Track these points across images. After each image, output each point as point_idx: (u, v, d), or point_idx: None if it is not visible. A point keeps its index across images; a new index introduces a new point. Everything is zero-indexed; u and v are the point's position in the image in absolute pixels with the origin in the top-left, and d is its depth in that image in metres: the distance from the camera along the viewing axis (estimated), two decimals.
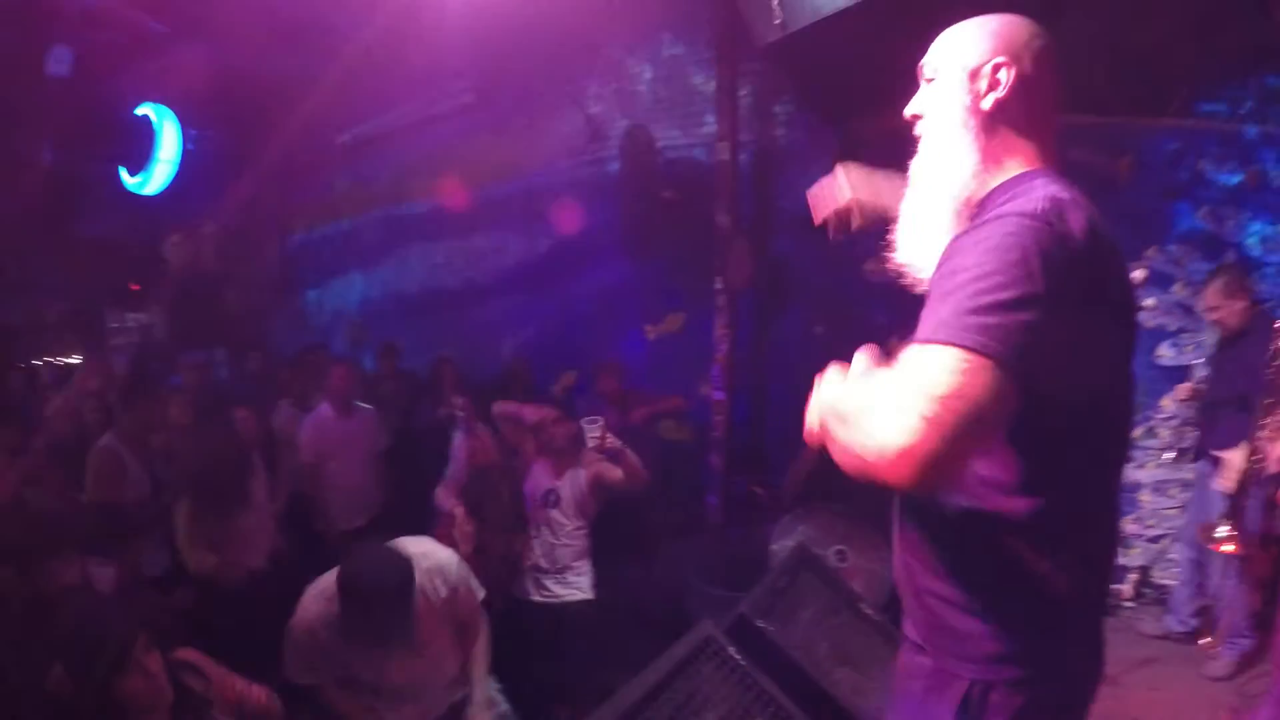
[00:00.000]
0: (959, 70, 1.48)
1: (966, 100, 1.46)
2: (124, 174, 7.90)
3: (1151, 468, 5.20)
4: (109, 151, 7.59)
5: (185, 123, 7.72)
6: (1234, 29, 5.35)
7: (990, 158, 1.46)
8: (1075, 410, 1.33)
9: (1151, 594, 5.19)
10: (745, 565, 4.49)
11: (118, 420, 4.40)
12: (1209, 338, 4.54)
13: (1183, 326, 4.66)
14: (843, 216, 1.87)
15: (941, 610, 1.48)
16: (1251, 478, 3.53)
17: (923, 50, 1.58)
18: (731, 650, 2.68)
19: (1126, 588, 5.15)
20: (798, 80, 5.59)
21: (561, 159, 6.42)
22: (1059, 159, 1.49)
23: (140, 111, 7.68)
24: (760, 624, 2.86)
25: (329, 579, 2.76)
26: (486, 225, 6.76)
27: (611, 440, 4.09)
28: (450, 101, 7.14)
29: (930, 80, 1.54)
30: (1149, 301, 4.58)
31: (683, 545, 5.32)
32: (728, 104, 5.47)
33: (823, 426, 1.44)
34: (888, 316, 5.60)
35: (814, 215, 1.94)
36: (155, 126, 7.73)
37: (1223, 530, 3.62)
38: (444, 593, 2.88)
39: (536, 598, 4.08)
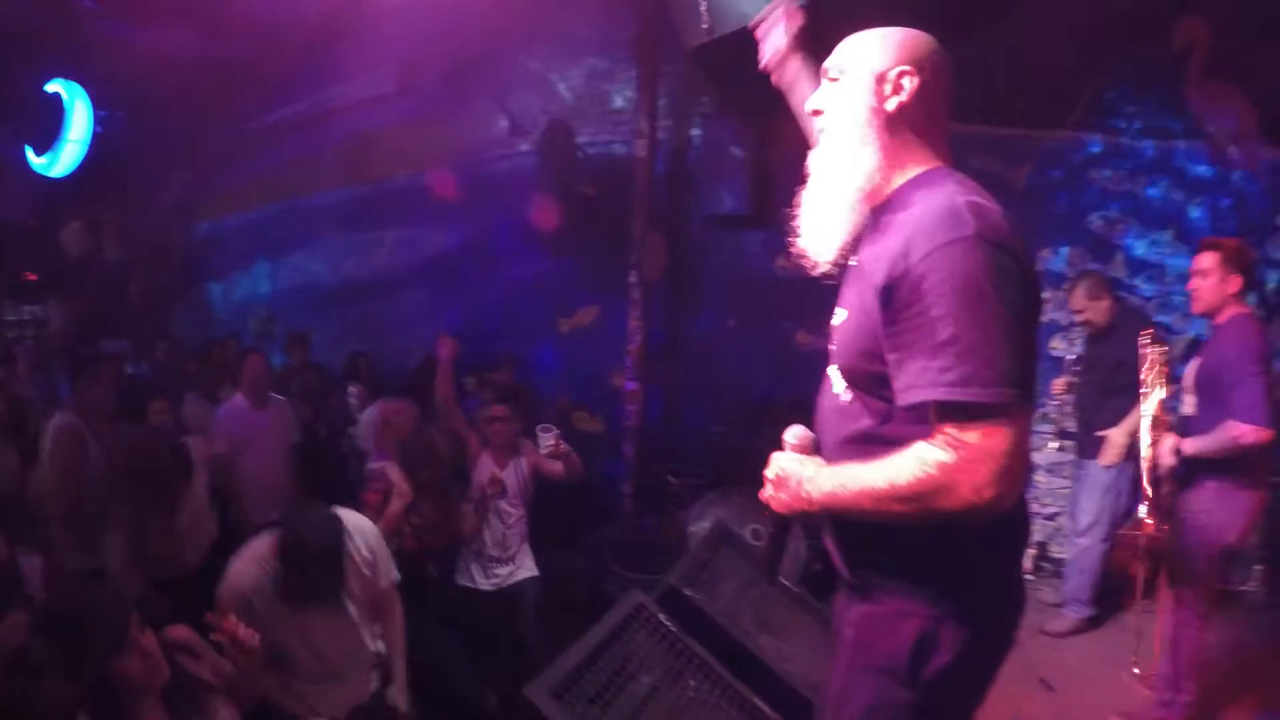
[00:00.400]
0: (867, 73, 1.61)
1: (873, 101, 1.59)
2: (30, 154, 7.48)
3: (1045, 450, 5.56)
4: (15, 129, 7.22)
5: (95, 103, 7.40)
6: (1131, 51, 5.77)
7: (891, 156, 1.60)
8: None
9: (1050, 568, 5.55)
10: (659, 552, 4.66)
11: (77, 399, 4.28)
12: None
13: (1073, 321, 4.99)
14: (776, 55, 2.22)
15: (888, 560, 1.61)
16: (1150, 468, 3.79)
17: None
18: (662, 617, 2.83)
19: (1026, 562, 5.48)
20: (719, 82, 5.74)
21: (480, 152, 6.42)
22: (951, 160, 1.65)
23: (50, 88, 7.30)
24: (688, 592, 2.99)
25: (258, 544, 2.84)
26: (402, 217, 6.72)
27: (564, 446, 4.22)
28: (370, 90, 7.06)
29: (834, 80, 1.67)
30: (1044, 294, 4.89)
31: (599, 533, 5.42)
32: (647, 103, 5.59)
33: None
34: (797, 311, 5.86)
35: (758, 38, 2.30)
36: (66, 105, 7.34)
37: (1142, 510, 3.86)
38: (365, 554, 2.98)
39: (487, 586, 4.17)
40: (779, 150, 5.78)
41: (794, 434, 1.69)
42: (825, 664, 3.04)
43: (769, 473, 1.68)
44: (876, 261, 1.51)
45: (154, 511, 3.80)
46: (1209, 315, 3.60)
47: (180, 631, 2.28)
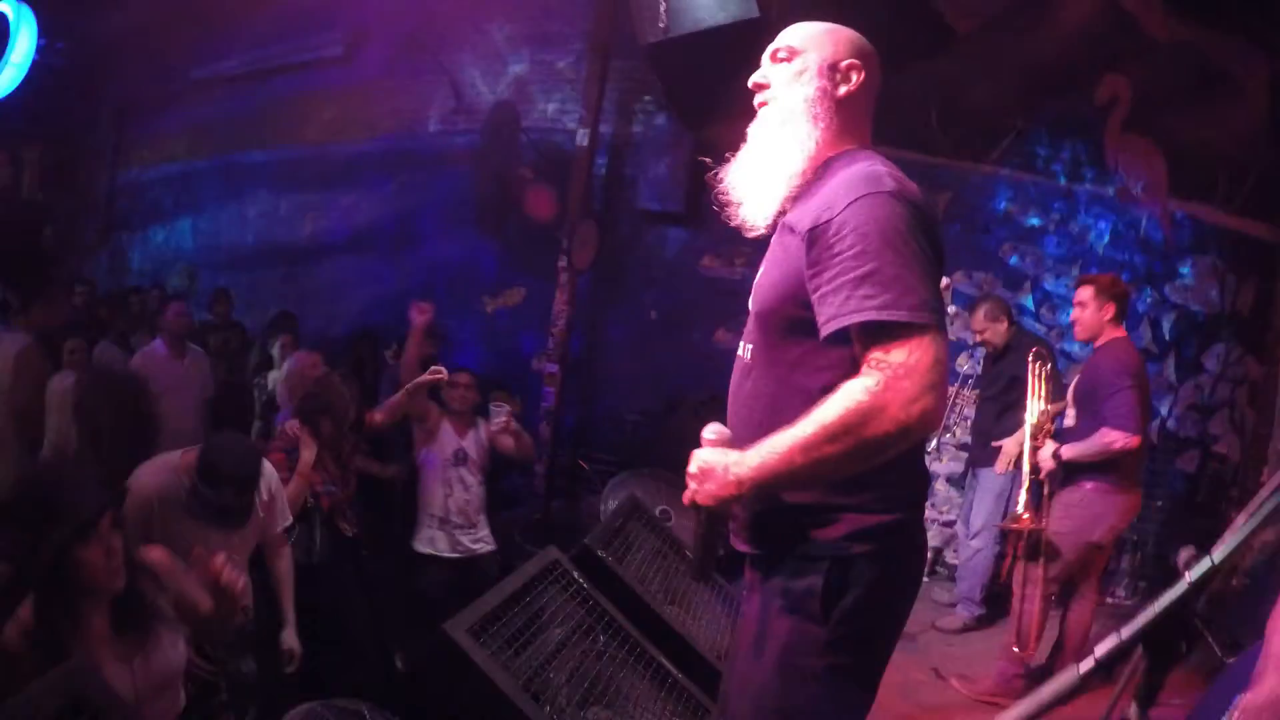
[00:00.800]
0: (821, 61, 1.75)
1: (825, 87, 1.74)
2: None
3: (946, 460, 5.89)
4: None
5: (40, 30, 6.97)
6: (1057, 99, 6.17)
7: (831, 137, 1.74)
8: None
9: (944, 572, 5.91)
10: (569, 532, 4.76)
11: (30, 319, 4.17)
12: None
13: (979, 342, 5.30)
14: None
15: (796, 512, 1.69)
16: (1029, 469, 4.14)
17: None
18: (576, 574, 2.95)
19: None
20: (665, 81, 5.89)
21: (424, 126, 6.42)
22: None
23: None
24: (601, 554, 3.13)
25: (169, 456, 2.93)
26: (338, 182, 6.64)
27: (515, 424, 4.37)
28: (318, 52, 6.96)
29: (783, 60, 1.79)
30: (951, 309, 5.18)
31: (510, 513, 5.48)
32: (594, 94, 5.71)
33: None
34: (718, 310, 6.05)
35: None
36: (12, 25, 6.91)
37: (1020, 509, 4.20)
38: (265, 496, 3.08)
39: (451, 553, 4.25)
40: (716, 154, 5.96)
41: (712, 430, 1.69)
42: (729, 635, 3.26)
43: (691, 469, 1.67)
44: (802, 217, 1.64)
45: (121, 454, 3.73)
46: (1090, 340, 4.05)
47: (157, 554, 2.18)
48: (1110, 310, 4.01)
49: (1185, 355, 6.20)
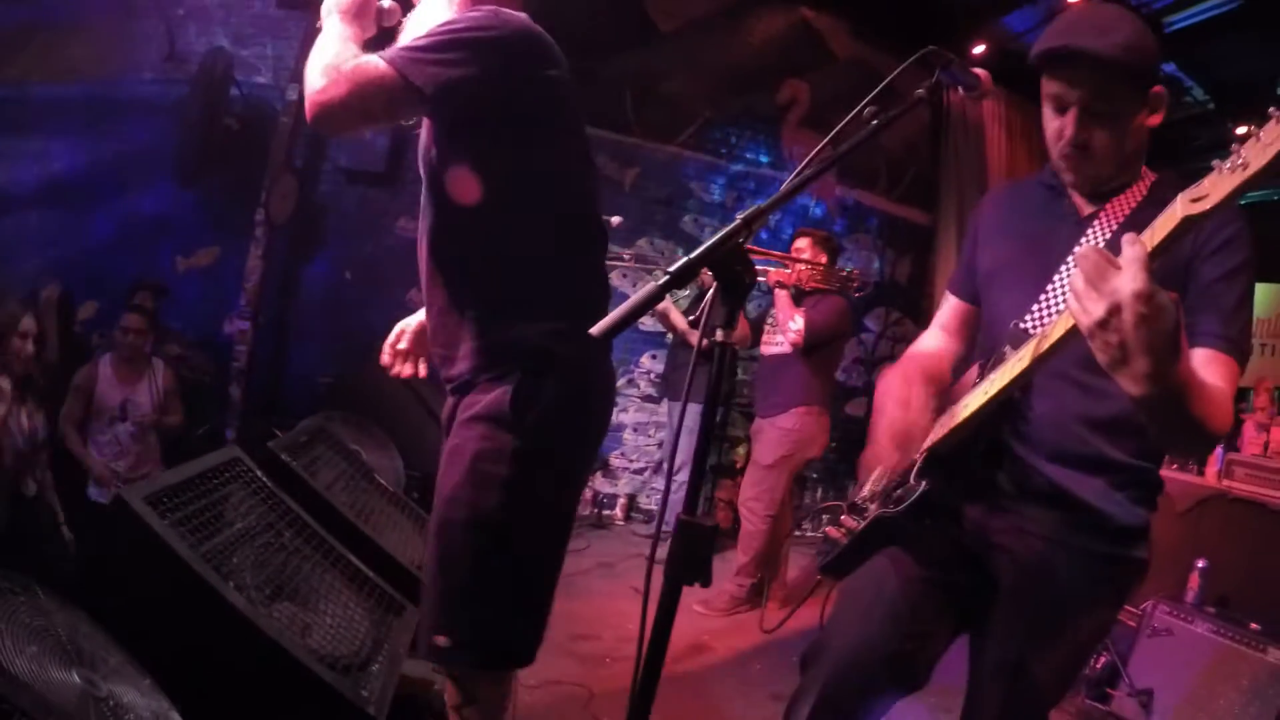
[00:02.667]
0: None
1: None
2: None
3: (633, 412, 6.36)
4: None
5: None
6: (743, 95, 6.86)
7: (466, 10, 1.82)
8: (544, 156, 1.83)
9: (639, 516, 6.36)
10: None
11: None
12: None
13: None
14: None
15: (489, 335, 1.82)
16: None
17: None
18: (259, 473, 2.87)
19: (618, 511, 6.24)
20: (377, 39, 5.92)
21: (134, 72, 6.02)
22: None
23: None
24: (285, 458, 3.09)
25: None
26: (31, 127, 6.08)
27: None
28: None
29: None
30: (626, 255, 5.59)
31: None
32: (309, 49, 5.63)
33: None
34: (413, 273, 6.10)
35: None
36: None
37: None
38: None
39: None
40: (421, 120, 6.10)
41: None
42: (419, 550, 3.36)
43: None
44: None
45: None
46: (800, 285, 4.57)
47: None
48: (823, 259, 4.62)
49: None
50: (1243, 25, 5.65)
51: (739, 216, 1.29)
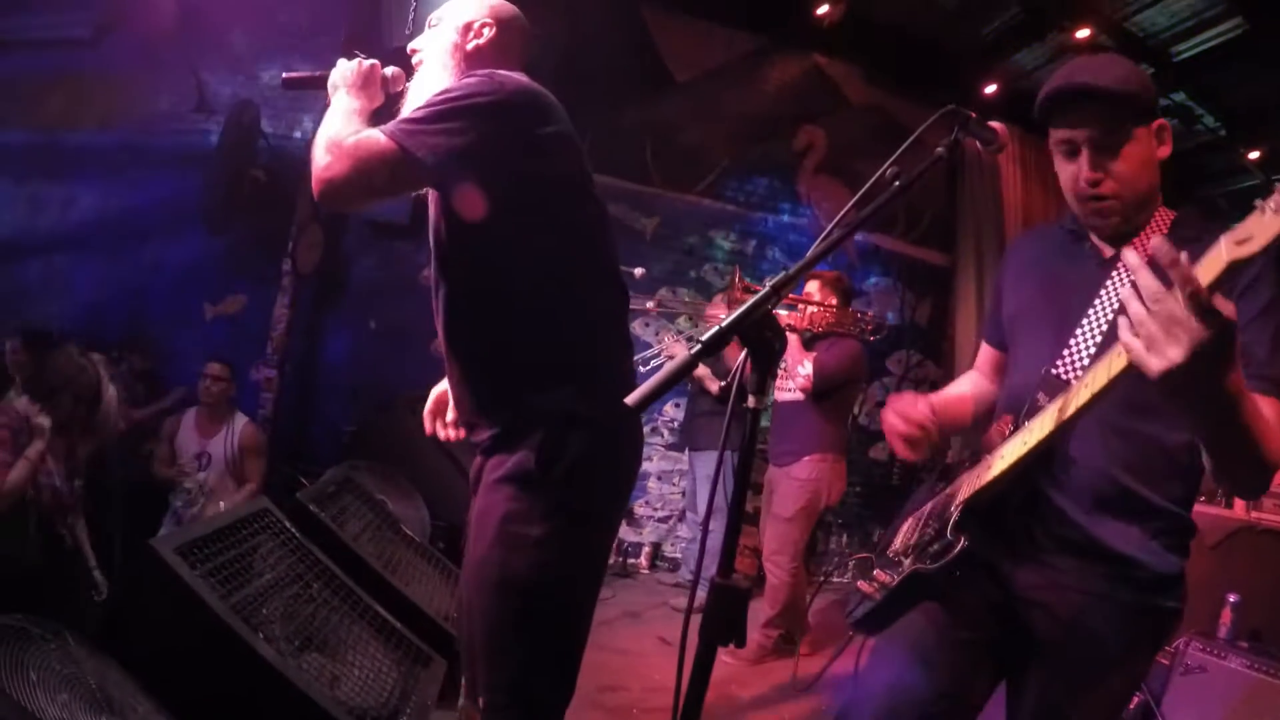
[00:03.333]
0: (457, 22, 1.97)
1: (456, 40, 1.95)
2: None
3: (656, 460, 6.36)
4: None
5: None
6: (761, 142, 6.94)
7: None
8: (555, 216, 1.84)
9: (664, 565, 6.33)
10: None
11: None
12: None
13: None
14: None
15: (511, 402, 1.84)
16: None
17: None
18: (288, 524, 2.91)
19: (643, 560, 6.21)
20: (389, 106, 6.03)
21: (163, 122, 6.14)
22: None
23: None
24: (314, 509, 3.13)
25: None
26: (63, 173, 6.16)
27: None
28: (63, 31, 6.34)
29: (433, 26, 2.01)
30: (649, 304, 5.61)
31: None
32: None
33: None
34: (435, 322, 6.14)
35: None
36: None
37: None
38: None
39: None
40: None
41: None
42: (444, 600, 3.37)
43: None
44: None
45: None
46: (812, 329, 4.55)
47: None
48: (834, 301, 4.62)
49: (871, 360, 7.09)
50: (1249, 52, 5.68)
51: (768, 283, 1.31)
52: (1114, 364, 1.27)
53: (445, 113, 1.70)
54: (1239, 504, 4.57)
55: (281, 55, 6.26)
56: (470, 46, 1.97)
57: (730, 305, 4.71)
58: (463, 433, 2.12)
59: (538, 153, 1.78)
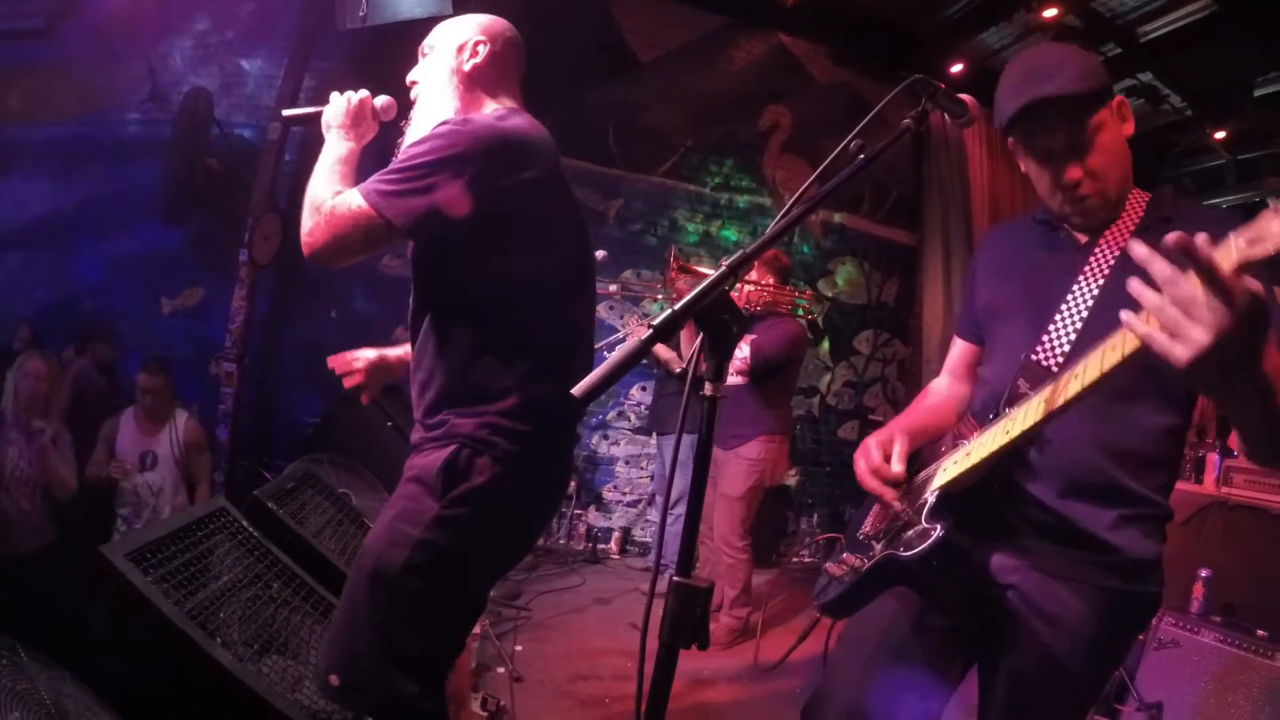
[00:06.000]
0: (451, 44, 2.00)
1: (453, 64, 1.98)
2: None
3: (624, 445, 6.32)
4: None
5: None
6: (725, 123, 6.89)
7: (470, 99, 1.98)
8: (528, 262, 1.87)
9: (635, 550, 6.30)
10: None
11: None
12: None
13: None
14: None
15: (443, 410, 1.87)
16: None
17: None
18: (245, 523, 2.84)
19: (613, 545, 6.18)
20: (360, 77, 5.93)
21: (118, 113, 5.99)
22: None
23: None
24: (271, 505, 3.05)
25: None
26: (15, 168, 5.99)
27: None
28: (19, 22, 6.15)
29: (425, 55, 2.04)
30: (612, 288, 5.56)
31: None
32: (291, 89, 5.62)
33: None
34: (398, 309, 6.07)
35: None
36: None
37: None
38: None
39: None
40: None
41: None
42: None
43: None
44: None
45: None
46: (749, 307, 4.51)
47: None
48: (770, 280, 4.58)
49: (838, 340, 7.10)
50: (1215, 32, 5.71)
51: (724, 263, 1.26)
52: (1107, 357, 1.24)
53: (418, 171, 1.74)
54: (1209, 479, 4.63)
55: (237, 41, 6.14)
56: (468, 67, 2.00)
57: (667, 286, 4.68)
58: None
59: (504, 199, 1.80)
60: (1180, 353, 1.05)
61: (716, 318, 1.24)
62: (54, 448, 4.06)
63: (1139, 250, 1.08)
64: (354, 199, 1.76)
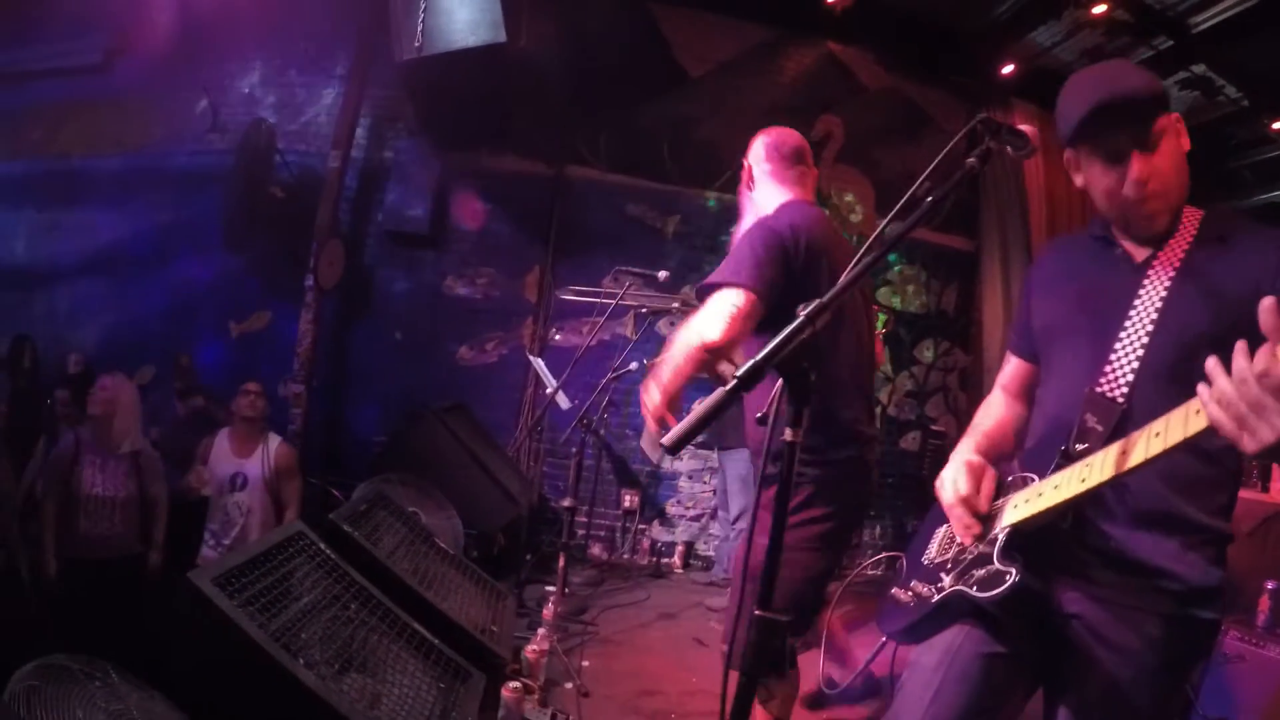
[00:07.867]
0: (748, 164, 2.84)
1: (746, 178, 2.85)
2: None
3: (687, 459, 6.35)
4: None
5: None
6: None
7: (760, 203, 2.74)
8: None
9: (698, 564, 6.33)
10: None
11: None
12: None
13: None
14: None
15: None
16: None
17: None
18: (323, 545, 2.91)
19: (676, 559, 6.23)
20: (418, 106, 6.10)
21: (179, 143, 6.21)
22: (806, 197, 2.75)
23: None
24: (347, 529, 3.13)
25: None
26: (83, 199, 6.20)
27: None
28: (75, 58, 6.46)
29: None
30: (675, 304, 5.60)
31: None
32: (349, 118, 5.80)
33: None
34: (460, 330, 6.24)
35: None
36: None
37: None
38: None
39: None
40: (461, 179, 6.30)
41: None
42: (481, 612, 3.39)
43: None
44: None
45: None
46: None
47: None
48: None
49: (899, 351, 7.04)
50: (1269, 20, 5.56)
51: (800, 311, 1.30)
52: (1192, 422, 1.26)
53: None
54: (1275, 488, 4.47)
55: (294, 71, 6.30)
56: (755, 178, 2.84)
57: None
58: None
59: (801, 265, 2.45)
60: (1248, 444, 1.13)
61: (795, 365, 1.28)
62: (141, 465, 4.19)
63: (1209, 363, 1.15)
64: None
